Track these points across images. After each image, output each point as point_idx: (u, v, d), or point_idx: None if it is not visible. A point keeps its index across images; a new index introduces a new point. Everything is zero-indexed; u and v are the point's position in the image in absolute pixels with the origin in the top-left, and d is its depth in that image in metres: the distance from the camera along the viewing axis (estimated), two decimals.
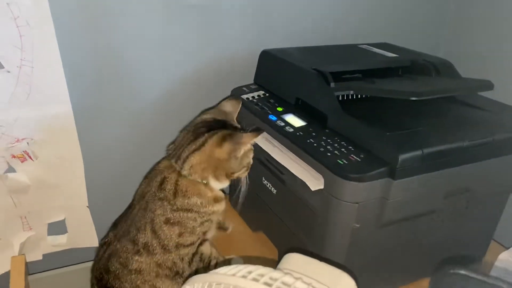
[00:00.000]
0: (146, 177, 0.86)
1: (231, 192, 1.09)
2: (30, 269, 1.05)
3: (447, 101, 0.90)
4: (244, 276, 0.39)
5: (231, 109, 0.88)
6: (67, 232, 1.11)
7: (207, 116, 0.85)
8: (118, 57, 0.99)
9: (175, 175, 0.80)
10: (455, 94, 0.89)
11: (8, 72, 0.89)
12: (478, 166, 0.78)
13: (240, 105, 0.90)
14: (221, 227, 1.01)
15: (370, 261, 0.79)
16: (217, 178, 0.80)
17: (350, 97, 0.88)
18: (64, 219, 1.09)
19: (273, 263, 0.90)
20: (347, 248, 0.74)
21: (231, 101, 0.90)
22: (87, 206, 1.08)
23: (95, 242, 1.10)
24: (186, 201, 0.79)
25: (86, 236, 1.11)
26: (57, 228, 1.10)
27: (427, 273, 0.86)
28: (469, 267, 0.47)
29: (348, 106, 0.82)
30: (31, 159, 0.99)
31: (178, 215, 0.78)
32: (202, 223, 0.81)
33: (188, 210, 0.79)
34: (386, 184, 0.70)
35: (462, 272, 0.46)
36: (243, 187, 0.86)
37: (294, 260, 0.48)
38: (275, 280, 0.38)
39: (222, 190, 0.86)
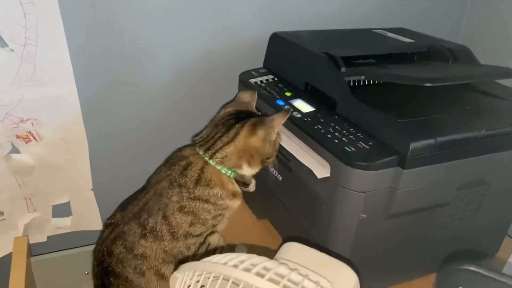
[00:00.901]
0: (165, 162, 0.83)
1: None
2: (34, 250, 1.05)
3: (464, 88, 0.86)
4: (235, 266, 0.36)
5: (249, 98, 0.87)
6: (71, 214, 1.10)
7: (231, 109, 0.83)
8: (126, 39, 0.96)
9: (201, 162, 0.78)
10: (472, 81, 0.84)
11: (12, 50, 0.87)
12: (495, 158, 0.74)
13: (256, 95, 0.88)
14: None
15: (377, 253, 0.76)
16: (251, 165, 0.79)
17: (361, 83, 0.85)
18: (69, 202, 1.08)
19: (275, 252, 0.89)
20: (353, 239, 0.71)
21: (247, 92, 0.88)
22: (92, 189, 1.07)
23: (99, 226, 1.09)
24: (208, 191, 0.77)
25: (91, 219, 1.10)
26: (61, 210, 1.09)
27: (437, 268, 0.84)
28: (478, 263, 0.44)
29: (359, 91, 0.79)
30: (36, 140, 0.97)
31: (194, 205, 0.77)
32: (215, 216, 0.80)
33: (205, 200, 0.77)
34: (395, 173, 0.66)
35: (471, 268, 0.43)
36: (272, 168, 0.86)
37: (293, 250, 0.46)
38: (269, 270, 0.36)
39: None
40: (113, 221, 0.81)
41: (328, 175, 0.71)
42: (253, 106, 0.87)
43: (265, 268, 0.36)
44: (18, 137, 0.96)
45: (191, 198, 0.77)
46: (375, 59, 0.92)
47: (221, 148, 0.78)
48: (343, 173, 0.67)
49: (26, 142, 0.97)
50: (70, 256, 0.98)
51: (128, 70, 1.00)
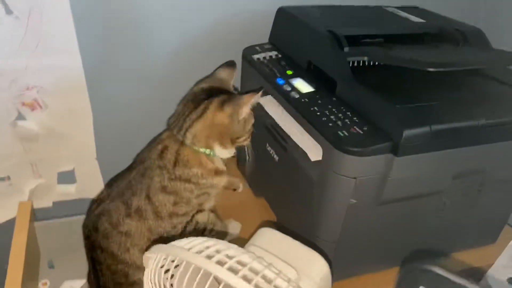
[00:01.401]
0: (148, 144, 0.84)
1: (239, 158, 1.07)
2: (40, 216, 1.08)
3: (474, 74, 0.83)
4: (199, 252, 0.37)
5: (226, 76, 0.86)
6: (76, 182, 1.13)
7: (204, 85, 0.83)
8: (129, 9, 0.95)
9: (176, 145, 0.79)
10: (479, 67, 0.81)
11: (17, 18, 0.88)
12: (495, 147, 0.72)
13: (235, 72, 0.87)
14: (229, 187, 1.01)
15: (366, 238, 0.76)
16: (222, 144, 0.79)
17: (365, 64, 0.82)
18: (73, 170, 1.10)
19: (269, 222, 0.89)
20: (342, 223, 0.71)
21: (226, 68, 0.87)
22: (96, 159, 1.08)
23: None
24: (186, 171, 0.78)
25: (94, 187, 1.11)
26: (66, 177, 1.12)
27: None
28: (438, 262, 0.43)
29: (361, 73, 0.77)
30: (41, 107, 0.99)
31: (175, 185, 0.77)
32: (198, 195, 0.80)
33: (186, 180, 0.78)
34: (387, 160, 0.65)
35: (431, 268, 0.43)
36: (248, 156, 0.84)
37: (267, 236, 0.46)
38: (231, 258, 0.36)
39: None
40: (99, 197, 0.83)
41: (321, 158, 0.71)
42: (229, 84, 0.86)
43: (227, 256, 0.36)
44: (24, 104, 0.97)
45: (172, 179, 0.77)
46: (382, 38, 0.89)
47: (190, 126, 0.77)
48: (334, 157, 0.66)
49: (32, 110, 0.99)
50: (74, 222, 1.00)
51: (132, 39, 0.99)
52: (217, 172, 0.81)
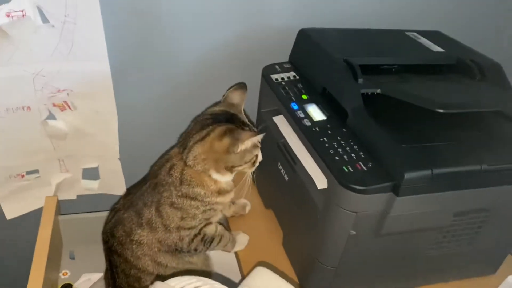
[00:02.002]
0: (161, 157, 0.89)
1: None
2: (64, 210, 1.15)
3: (490, 112, 0.84)
4: None
5: (238, 100, 0.89)
6: (99, 178, 1.20)
7: (217, 109, 0.86)
8: (157, 20, 0.99)
9: (181, 164, 0.83)
10: (490, 110, 0.82)
11: (53, 26, 0.93)
12: (499, 190, 0.74)
13: (246, 94, 0.89)
14: (236, 214, 1.05)
15: (364, 266, 0.80)
16: (217, 170, 0.82)
17: (379, 94, 0.84)
18: (97, 167, 1.17)
19: (276, 244, 0.92)
20: (342, 251, 0.75)
21: (237, 91, 0.89)
22: (119, 159, 1.15)
23: (123, 191, 1.17)
24: (191, 190, 0.82)
25: (116, 184, 1.19)
26: (91, 174, 1.18)
27: (430, 282, 0.86)
28: None
29: (374, 104, 0.79)
30: (70, 109, 1.05)
31: (182, 202, 0.82)
32: (204, 211, 0.84)
33: (192, 198, 0.82)
34: (388, 198, 0.68)
35: None
36: (247, 184, 0.88)
37: (261, 277, 0.50)
38: None
39: None
40: (116, 206, 0.88)
41: (326, 187, 0.74)
42: (241, 108, 0.88)
43: None
44: (54, 105, 1.03)
45: (179, 196, 0.82)
46: (400, 67, 0.90)
47: (192, 147, 0.81)
48: (337, 191, 0.69)
49: (62, 110, 1.05)
50: (95, 218, 1.07)
51: (157, 48, 1.04)
52: (220, 192, 0.85)
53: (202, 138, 0.81)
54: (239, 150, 0.80)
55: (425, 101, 0.75)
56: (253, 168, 0.86)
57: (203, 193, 0.82)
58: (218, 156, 0.80)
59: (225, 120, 0.83)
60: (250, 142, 0.80)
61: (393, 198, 0.68)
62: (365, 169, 0.70)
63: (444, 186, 0.69)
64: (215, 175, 0.82)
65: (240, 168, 0.83)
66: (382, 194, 0.68)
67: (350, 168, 0.70)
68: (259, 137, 0.81)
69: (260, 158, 0.86)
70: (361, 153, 0.73)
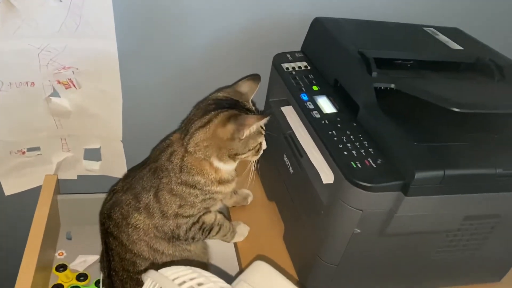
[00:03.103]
0: (162, 141, 0.87)
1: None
2: (64, 189, 1.14)
3: (508, 115, 0.81)
4: (182, 283, 0.39)
5: (247, 90, 0.86)
6: (101, 160, 1.18)
7: (221, 94, 0.84)
8: (170, 3, 0.97)
9: (182, 151, 0.80)
10: (505, 112, 0.79)
11: (61, 1, 0.91)
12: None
13: (258, 86, 0.87)
14: (237, 204, 1.02)
15: (367, 266, 0.77)
16: (220, 158, 0.79)
17: (393, 89, 0.81)
18: (99, 148, 1.15)
19: (276, 237, 0.90)
20: (344, 250, 0.72)
21: (248, 81, 0.87)
22: (121, 141, 1.13)
23: (124, 174, 1.15)
24: (190, 178, 0.79)
25: (117, 167, 1.17)
26: (92, 154, 1.17)
27: (432, 286, 0.84)
28: None
29: (387, 99, 0.76)
30: (75, 87, 1.03)
31: (181, 189, 0.79)
32: (204, 200, 0.82)
33: (192, 186, 0.80)
34: (396, 198, 0.66)
35: None
36: (250, 173, 0.86)
37: (260, 272, 0.47)
38: None
39: None
40: (115, 187, 0.86)
41: (332, 182, 0.72)
42: (249, 98, 0.85)
43: None
44: (59, 82, 1.01)
45: (178, 183, 0.79)
46: (416, 62, 0.87)
47: (193, 133, 0.78)
48: (343, 187, 0.67)
49: (66, 88, 1.03)
50: (95, 199, 1.05)
51: (167, 30, 1.01)
52: (221, 182, 0.82)
53: (205, 125, 0.78)
54: (244, 136, 0.77)
55: (441, 99, 0.72)
56: (257, 156, 0.84)
57: (203, 182, 0.80)
58: (221, 143, 0.78)
59: (229, 106, 0.80)
60: (255, 126, 0.77)
61: (402, 197, 0.65)
62: (374, 166, 0.67)
63: (456, 188, 0.67)
64: (217, 163, 0.80)
65: (243, 156, 0.80)
66: (390, 193, 0.65)
67: (358, 164, 0.67)
68: (265, 121, 0.79)
69: (264, 145, 0.84)
70: (371, 149, 0.70)
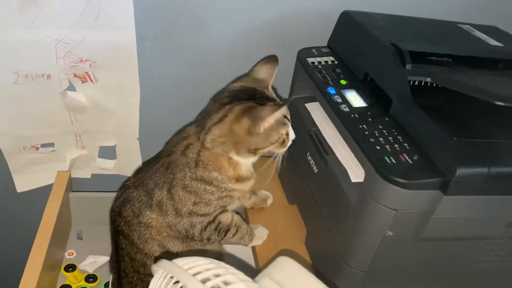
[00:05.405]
0: (177, 134, 0.82)
1: None
2: (77, 187, 1.10)
3: None
4: (197, 273, 0.34)
5: (265, 75, 0.80)
6: (115, 158, 1.14)
7: (237, 84, 0.78)
8: None
9: (199, 145, 0.75)
10: None
11: None
12: None
13: (276, 69, 0.80)
14: (256, 206, 0.97)
15: (398, 273, 0.71)
16: (238, 153, 0.74)
17: (426, 84, 0.76)
18: (115, 146, 1.12)
19: (298, 242, 0.85)
20: (374, 254, 0.66)
21: (265, 65, 0.81)
22: (138, 138, 1.09)
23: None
24: (207, 173, 0.74)
25: (132, 166, 1.10)
26: (107, 152, 1.13)
27: None
28: None
29: (421, 93, 0.70)
30: (92, 81, 1.00)
31: (196, 185, 0.74)
32: (220, 198, 0.77)
33: (208, 182, 0.75)
34: (434, 197, 0.59)
35: None
36: (278, 164, 0.80)
37: (284, 267, 0.42)
38: (227, 284, 0.33)
39: None
40: (126, 183, 0.82)
41: (362, 180, 0.66)
42: (269, 84, 0.79)
43: (224, 283, 0.33)
44: (75, 75, 0.98)
45: (193, 178, 0.74)
46: (452, 58, 0.81)
47: (210, 128, 0.74)
48: (376, 184, 0.61)
49: (83, 82, 1.00)
50: (109, 198, 1.01)
51: (189, 23, 0.98)
52: (239, 179, 0.77)
53: (220, 120, 0.73)
54: (262, 130, 0.71)
55: (484, 93, 0.67)
56: (284, 149, 0.77)
57: (219, 178, 0.75)
58: (238, 139, 0.72)
59: (246, 97, 0.74)
60: (273, 118, 0.71)
61: (440, 196, 0.59)
62: (410, 162, 0.61)
63: (501, 188, 0.60)
64: (236, 158, 0.75)
65: (266, 150, 0.75)
66: (427, 191, 0.59)
67: (392, 160, 0.61)
68: (283, 110, 0.72)
69: (292, 135, 0.77)
70: (406, 145, 0.64)
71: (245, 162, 0.76)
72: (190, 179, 0.74)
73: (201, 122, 0.77)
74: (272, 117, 0.70)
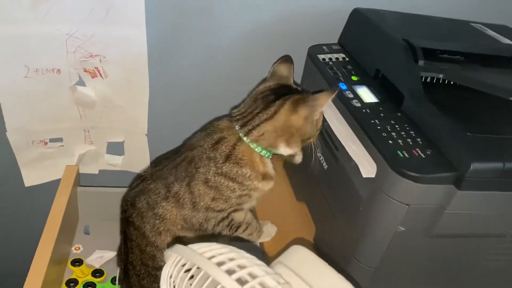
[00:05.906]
0: (201, 130, 0.81)
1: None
2: (85, 182, 1.10)
3: None
4: (221, 263, 0.33)
5: (286, 72, 0.82)
6: (123, 154, 1.14)
7: (271, 84, 0.79)
8: None
9: (234, 139, 0.75)
10: None
11: None
12: None
13: (293, 67, 0.83)
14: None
15: (408, 270, 0.70)
16: (289, 145, 0.75)
17: (439, 81, 0.75)
18: (123, 142, 1.11)
19: (306, 239, 0.84)
20: (385, 250, 0.65)
21: (283, 64, 0.82)
22: (146, 135, 1.08)
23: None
24: (236, 169, 0.74)
25: (140, 162, 1.12)
26: (116, 148, 1.13)
27: None
28: None
29: (433, 90, 0.70)
30: (101, 76, 1.00)
31: (219, 181, 0.74)
32: (240, 196, 0.76)
33: (232, 179, 0.74)
34: (448, 191, 0.59)
35: None
36: (317, 151, 0.82)
37: (298, 256, 0.41)
38: (254, 278, 0.32)
39: None
40: (143, 174, 0.81)
41: (374, 176, 0.65)
42: (290, 80, 0.81)
43: (250, 274, 0.33)
44: (85, 70, 0.98)
45: (218, 174, 0.74)
46: (463, 56, 0.81)
47: (258, 125, 0.74)
48: (388, 178, 0.60)
49: (92, 77, 1.00)
50: (116, 194, 1.01)
51: (199, 21, 0.98)
52: (265, 177, 0.77)
53: (272, 116, 0.74)
54: (318, 116, 0.75)
55: (497, 89, 0.66)
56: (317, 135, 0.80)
57: (248, 175, 0.75)
58: (293, 131, 0.74)
59: (288, 92, 0.76)
60: (326, 104, 0.74)
61: (454, 191, 0.58)
62: (423, 156, 0.60)
63: None
64: (283, 149, 0.76)
65: (312, 139, 0.78)
66: (441, 186, 0.58)
67: (405, 154, 0.61)
68: (334, 95, 0.74)
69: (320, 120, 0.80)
70: (419, 139, 0.64)
71: (287, 152, 0.77)
72: (214, 174, 0.74)
73: (240, 118, 0.76)
74: (325, 103, 0.73)
